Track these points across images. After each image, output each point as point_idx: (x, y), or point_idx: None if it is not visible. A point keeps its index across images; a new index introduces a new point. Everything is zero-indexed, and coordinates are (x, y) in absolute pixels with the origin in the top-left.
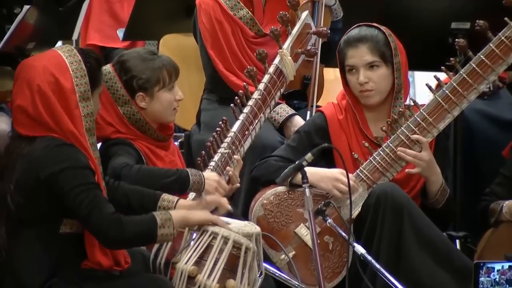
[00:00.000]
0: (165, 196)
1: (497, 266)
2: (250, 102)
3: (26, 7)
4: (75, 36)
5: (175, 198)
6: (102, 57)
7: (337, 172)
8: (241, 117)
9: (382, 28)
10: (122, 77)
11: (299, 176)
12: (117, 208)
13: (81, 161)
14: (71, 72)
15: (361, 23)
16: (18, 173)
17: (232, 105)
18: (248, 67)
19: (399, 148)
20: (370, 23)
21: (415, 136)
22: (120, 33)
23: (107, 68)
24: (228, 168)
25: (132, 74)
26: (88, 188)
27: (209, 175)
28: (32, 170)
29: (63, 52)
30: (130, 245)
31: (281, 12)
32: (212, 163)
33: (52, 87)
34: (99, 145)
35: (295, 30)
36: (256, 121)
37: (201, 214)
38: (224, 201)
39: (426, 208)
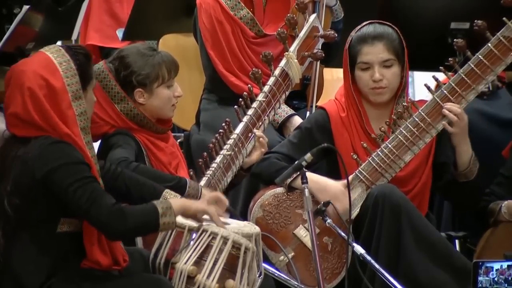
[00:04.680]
0: (167, 193)
1: (496, 266)
2: (254, 104)
3: (26, 7)
4: (74, 36)
5: (178, 195)
6: (101, 57)
7: (339, 191)
8: (245, 119)
9: (393, 26)
10: (120, 72)
11: (298, 180)
12: (116, 196)
13: (75, 156)
14: (61, 73)
15: (372, 20)
16: (14, 174)
17: (236, 106)
18: (254, 69)
19: (446, 105)
20: (381, 21)
21: (447, 105)
22: (120, 33)
23: (100, 66)
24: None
25: (132, 69)
26: (86, 182)
27: (205, 195)
28: (28, 170)
29: (51, 53)
30: (133, 235)
31: (288, 15)
32: (214, 165)
33: (43, 90)
34: (98, 143)
35: (302, 33)
36: (260, 123)
37: (200, 204)
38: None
39: (454, 185)
